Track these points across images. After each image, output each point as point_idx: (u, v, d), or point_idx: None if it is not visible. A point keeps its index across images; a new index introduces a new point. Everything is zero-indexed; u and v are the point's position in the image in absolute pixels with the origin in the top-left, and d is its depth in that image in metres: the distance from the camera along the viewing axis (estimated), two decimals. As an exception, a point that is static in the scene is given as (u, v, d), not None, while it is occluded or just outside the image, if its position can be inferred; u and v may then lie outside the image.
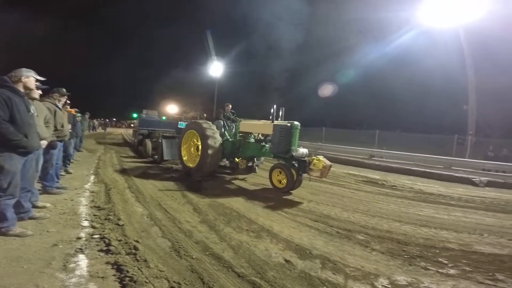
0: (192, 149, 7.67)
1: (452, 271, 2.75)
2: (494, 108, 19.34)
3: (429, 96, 24.76)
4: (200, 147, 7.15)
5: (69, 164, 6.80)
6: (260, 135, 7.16)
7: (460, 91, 16.25)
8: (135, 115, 24.06)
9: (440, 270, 2.76)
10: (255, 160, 7.48)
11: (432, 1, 15.60)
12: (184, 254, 2.86)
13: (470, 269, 2.79)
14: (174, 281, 2.35)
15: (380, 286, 2.43)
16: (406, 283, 2.48)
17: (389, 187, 7.39)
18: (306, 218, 4.31)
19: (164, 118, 15.89)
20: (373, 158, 13.74)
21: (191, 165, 7.30)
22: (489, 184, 8.81)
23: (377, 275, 2.63)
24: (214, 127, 7.16)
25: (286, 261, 2.87)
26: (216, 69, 31.67)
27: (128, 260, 2.64)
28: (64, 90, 4.98)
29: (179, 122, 11.27)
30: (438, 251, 3.24)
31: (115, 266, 2.52)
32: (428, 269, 2.77)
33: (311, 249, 3.18)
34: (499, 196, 7.05)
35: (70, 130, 5.61)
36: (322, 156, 5.72)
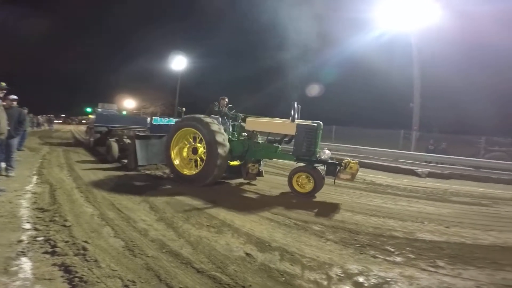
0: (184, 152, 6.44)
1: (398, 259, 2.98)
2: (435, 106, 21.41)
3: (380, 94, 26.60)
4: (200, 149, 6.09)
5: (11, 168, 5.81)
6: (261, 135, 6.45)
7: (409, 90, 17.65)
8: (89, 110, 21.92)
9: (387, 258, 2.98)
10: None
11: (387, 6, 16.65)
12: (139, 253, 2.80)
13: (414, 257, 3.04)
14: (128, 280, 2.31)
15: (334, 276, 2.58)
16: (358, 272, 2.65)
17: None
18: (267, 211, 4.40)
19: (124, 112, 14.74)
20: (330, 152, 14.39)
21: (187, 172, 6.14)
22: (430, 175, 9.73)
23: (331, 264, 2.78)
24: (218, 123, 6.09)
25: (247, 254, 2.93)
26: (179, 62, 30.53)
27: (77, 261, 2.55)
28: (3, 84, 4.47)
29: (154, 118, 9.28)
30: (385, 240, 3.50)
31: (62, 268, 2.43)
32: (377, 257, 2.99)
33: (270, 241, 3.27)
34: (438, 186, 7.82)
35: (8, 128, 4.93)
36: (350, 158, 5.49)
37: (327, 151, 5.54)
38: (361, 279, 2.52)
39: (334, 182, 5.49)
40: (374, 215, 4.52)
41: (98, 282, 2.25)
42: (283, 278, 2.51)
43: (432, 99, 20.44)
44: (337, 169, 5.30)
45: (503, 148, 14.22)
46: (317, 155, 5.58)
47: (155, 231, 3.40)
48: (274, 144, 6.19)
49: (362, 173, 9.09)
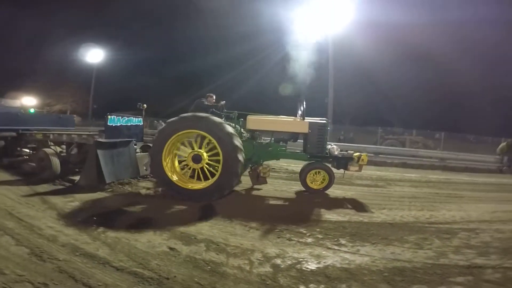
0: (176, 162, 5.25)
1: (309, 240, 3.37)
2: (347, 101, 24.31)
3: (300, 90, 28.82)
4: (204, 155, 4.95)
5: None
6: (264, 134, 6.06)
7: (325, 88, 19.52)
8: None
9: (300, 240, 3.35)
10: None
11: (307, 10, 17.86)
12: (48, 258, 2.62)
13: (322, 237, 3.47)
14: (39, 283, 2.22)
15: (255, 260, 2.81)
16: (275, 255, 2.93)
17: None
18: (193, 206, 4.42)
19: (32, 110, 11.41)
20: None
21: (194, 187, 4.96)
22: (341, 162, 11.00)
23: (253, 250, 3.02)
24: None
25: (171, 249, 2.95)
26: (94, 55, 27.29)
27: (-25, 272, 2.28)
28: None
29: (109, 117, 6.37)
30: (299, 223, 3.88)
31: (-42, 281, 2.14)
32: (292, 240, 3.33)
33: (196, 234, 3.35)
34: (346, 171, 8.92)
35: None
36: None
37: (335, 146, 5.79)
38: (278, 261, 2.80)
39: (344, 175, 5.87)
40: (292, 201, 4.98)
41: (5, 288, 2.11)
42: (209, 267, 2.63)
43: (344, 95, 23.20)
44: (349, 163, 5.53)
45: (395, 136, 17.11)
46: (327, 151, 5.69)
47: (65, 236, 3.14)
48: (280, 143, 5.92)
49: (284, 163, 9.76)
